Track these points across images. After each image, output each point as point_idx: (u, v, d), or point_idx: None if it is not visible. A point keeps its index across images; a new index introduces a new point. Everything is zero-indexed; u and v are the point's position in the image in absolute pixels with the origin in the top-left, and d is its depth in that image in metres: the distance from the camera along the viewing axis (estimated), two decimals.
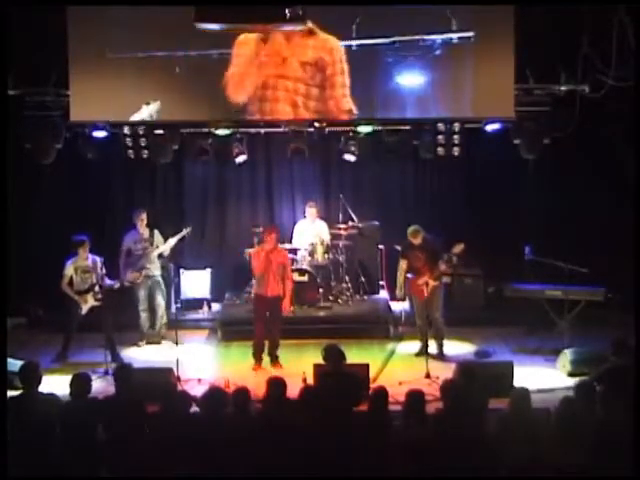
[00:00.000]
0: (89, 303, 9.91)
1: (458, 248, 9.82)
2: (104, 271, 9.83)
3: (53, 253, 10.93)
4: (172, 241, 10.69)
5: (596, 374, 7.18)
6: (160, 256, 10.77)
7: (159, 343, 10.65)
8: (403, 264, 10.11)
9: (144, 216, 10.69)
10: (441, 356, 9.91)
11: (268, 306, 9.75)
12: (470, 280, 11.72)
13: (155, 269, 10.73)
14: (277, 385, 6.36)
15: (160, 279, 10.77)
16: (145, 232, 10.69)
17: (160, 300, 10.73)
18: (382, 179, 12.57)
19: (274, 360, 9.78)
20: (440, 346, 10.00)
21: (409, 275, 10.07)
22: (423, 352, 9.76)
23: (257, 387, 7.52)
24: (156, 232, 10.77)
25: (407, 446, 5.65)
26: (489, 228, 11.92)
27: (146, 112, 10.56)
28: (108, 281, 9.88)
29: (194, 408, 6.30)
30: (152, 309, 10.79)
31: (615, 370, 6.96)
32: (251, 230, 11.68)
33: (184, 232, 10.74)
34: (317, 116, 10.66)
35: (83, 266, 9.92)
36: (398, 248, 11.05)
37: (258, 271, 9.71)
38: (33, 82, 10.64)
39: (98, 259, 9.84)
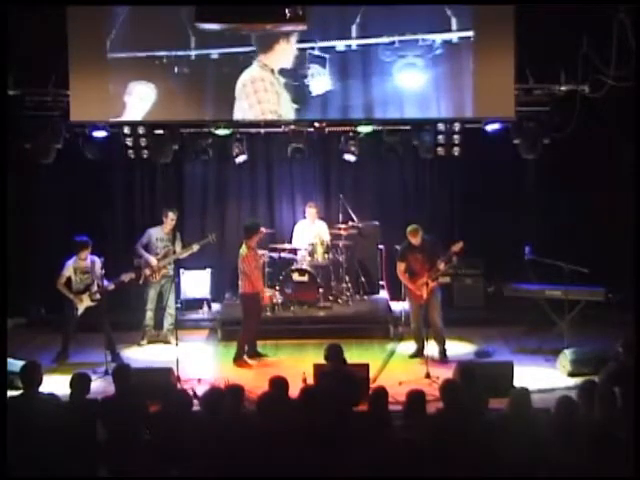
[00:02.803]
0: (85, 303, 9.89)
1: (457, 246, 9.68)
2: (103, 271, 9.82)
3: (53, 253, 10.94)
4: (195, 247, 10.68)
5: (607, 374, 7.13)
6: (175, 259, 10.77)
7: (167, 342, 10.62)
8: (401, 266, 9.96)
9: (175, 216, 10.67)
10: (444, 359, 9.75)
11: (259, 302, 10.02)
12: (470, 280, 11.72)
13: (170, 270, 10.74)
14: (279, 385, 6.37)
15: (171, 280, 10.73)
16: (170, 232, 10.68)
17: (171, 300, 10.73)
18: (382, 179, 12.55)
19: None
20: (443, 351, 9.84)
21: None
22: (418, 354, 9.75)
23: (257, 387, 7.54)
24: (178, 235, 10.78)
25: (407, 446, 5.64)
26: (489, 228, 11.91)
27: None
28: (105, 282, 9.88)
29: (194, 408, 6.31)
30: (160, 309, 10.78)
31: (627, 370, 6.93)
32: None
33: (209, 238, 10.74)
34: None
35: (82, 267, 9.91)
36: (399, 248, 11.05)
37: (258, 270, 9.93)
38: (33, 82, 10.64)
39: (97, 259, 9.82)
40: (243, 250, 9.88)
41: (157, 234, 10.69)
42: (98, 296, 9.85)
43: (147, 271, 10.52)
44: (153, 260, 10.56)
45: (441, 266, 9.73)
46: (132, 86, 10.58)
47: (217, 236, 12.39)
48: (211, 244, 10.90)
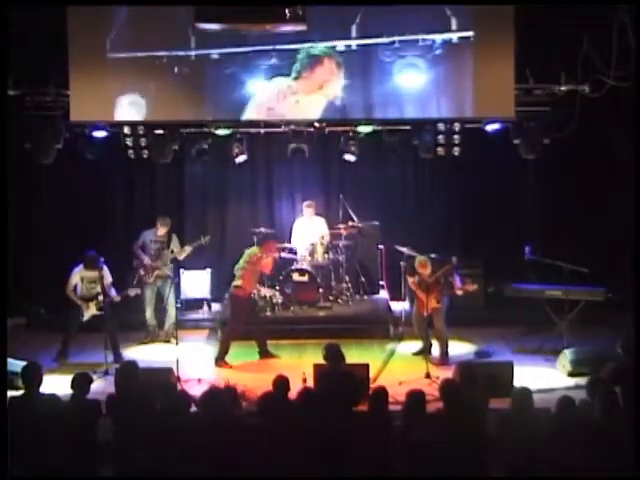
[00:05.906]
0: (91, 311, 9.92)
1: (471, 287, 9.81)
2: (111, 280, 9.86)
3: (53, 253, 10.94)
4: (188, 248, 10.81)
5: (607, 373, 7.12)
6: (174, 259, 10.82)
7: (168, 342, 10.64)
8: (411, 279, 9.90)
9: (169, 222, 10.80)
10: (445, 360, 9.73)
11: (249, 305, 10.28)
12: (470, 280, 11.69)
13: (167, 270, 10.78)
14: (280, 385, 6.38)
15: (170, 280, 10.74)
16: (164, 235, 10.77)
17: (171, 300, 10.74)
18: (382, 179, 12.55)
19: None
20: (445, 352, 9.81)
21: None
22: (421, 353, 9.74)
23: (257, 387, 7.55)
24: (174, 236, 10.86)
25: (407, 446, 5.65)
26: (489, 228, 11.92)
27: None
28: (113, 292, 9.92)
29: (193, 408, 6.30)
30: (160, 309, 10.80)
31: (626, 370, 6.93)
32: (251, 230, 11.70)
33: (202, 240, 10.81)
34: None
35: (89, 276, 9.93)
36: (398, 248, 11.03)
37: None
38: (33, 82, 10.64)
39: (107, 271, 9.85)
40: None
41: (150, 236, 10.81)
42: (103, 305, 9.86)
43: (141, 271, 10.61)
44: (147, 260, 10.65)
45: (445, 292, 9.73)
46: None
47: (217, 236, 12.45)
48: (204, 245, 10.93)
